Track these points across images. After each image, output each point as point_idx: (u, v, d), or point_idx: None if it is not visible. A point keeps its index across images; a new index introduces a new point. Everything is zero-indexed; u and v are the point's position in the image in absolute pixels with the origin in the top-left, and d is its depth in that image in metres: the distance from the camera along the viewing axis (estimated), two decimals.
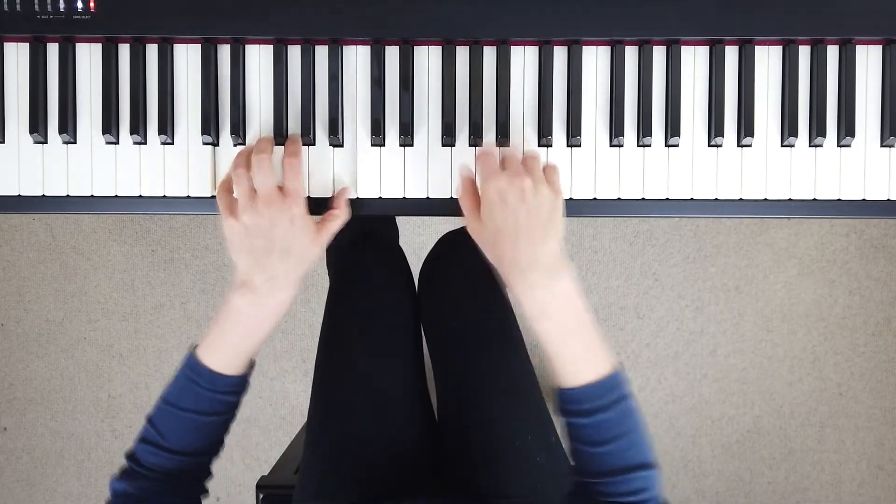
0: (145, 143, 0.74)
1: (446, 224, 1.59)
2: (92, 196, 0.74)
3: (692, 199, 0.74)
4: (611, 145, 0.74)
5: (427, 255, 0.98)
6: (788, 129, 0.73)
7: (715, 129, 0.73)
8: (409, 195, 0.74)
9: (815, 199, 0.74)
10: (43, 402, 1.70)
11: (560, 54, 0.74)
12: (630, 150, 0.74)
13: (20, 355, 1.69)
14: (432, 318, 0.94)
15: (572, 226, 1.64)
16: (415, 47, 0.73)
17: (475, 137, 0.73)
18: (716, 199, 0.74)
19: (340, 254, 1.01)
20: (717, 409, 1.67)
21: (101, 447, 1.71)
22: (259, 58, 0.74)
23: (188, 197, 0.74)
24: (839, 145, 0.74)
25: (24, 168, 0.74)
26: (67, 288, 1.67)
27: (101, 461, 1.72)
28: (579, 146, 0.74)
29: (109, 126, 0.73)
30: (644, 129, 0.73)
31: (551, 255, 0.64)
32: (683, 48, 0.73)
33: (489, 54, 0.74)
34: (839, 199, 0.74)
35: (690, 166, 0.74)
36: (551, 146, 0.74)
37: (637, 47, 0.73)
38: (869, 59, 0.74)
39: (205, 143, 0.74)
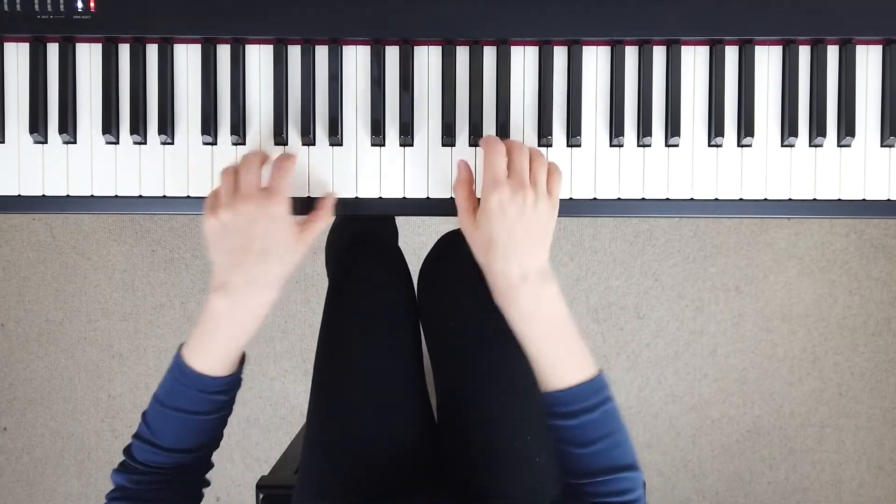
0: (145, 143, 0.74)
1: (446, 224, 1.59)
2: (92, 196, 0.74)
3: (692, 199, 0.74)
4: (611, 145, 0.74)
5: (427, 256, 0.98)
6: (788, 128, 0.73)
7: (715, 129, 0.73)
8: (409, 195, 0.74)
9: (815, 199, 0.74)
10: (43, 402, 1.70)
11: (560, 54, 0.74)
12: (630, 150, 0.74)
13: (20, 355, 1.69)
14: (432, 319, 0.94)
15: (572, 226, 1.64)
16: (415, 47, 0.74)
17: (475, 137, 0.73)
18: (716, 199, 0.74)
19: (340, 254, 1.01)
20: (717, 409, 1.67)
21: (101, 447, 1.71)
22: (259, 58, 0.74)
23: (188, 197, 0.74)
24: (839, 145, 0.74)
25: (24, 168, 0.74)
26: (67, 288, 1.67)
27: (101, 461, 1.72)
28: (579, 146, 0.74)
29: (109, 126, 0.73)
30: (644, 129, 0.73)
31: (539, 267, 0.65)
32: (683, 48, 0.73)
33: (489, 54, 0.74)
34: (839, 199, 0.74)
35: (690, 166, 0.74)
36: (551, 146, 0.74)
37: (637, 47, 0.73)
38: (869, 59, 0.74)
39: (205, 143, 0.74)
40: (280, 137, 0.73)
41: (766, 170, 0.74)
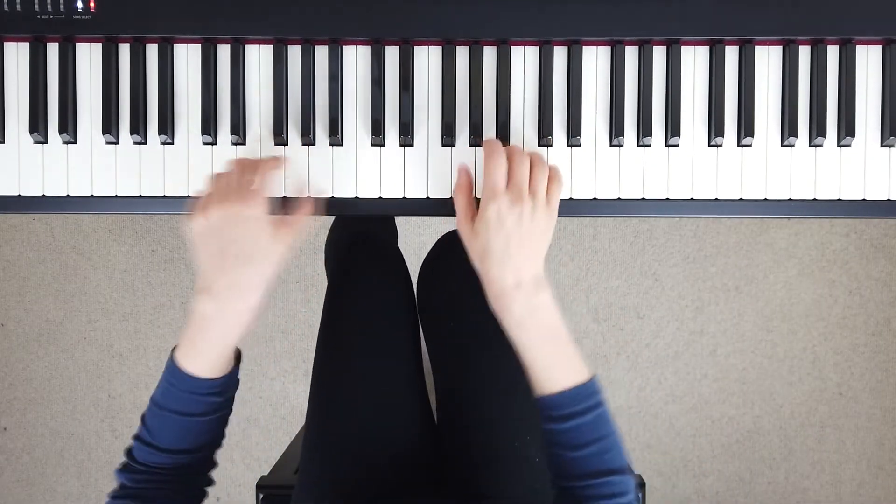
0: (145, 143, 0.74)
1: (446, 224, 1.59)
2: (92, 196, 0.74)
3: (692, 199, 0.74)
4: (611, 145, 0.74)
5: (427, 255, 0.98)
6: (788, 128, 0.73)
7: (715, 129, 0.73)
8: (409, 195, 0.74)
9: (815, 199, 0.74)
10: (43, 402, 1.70)
11: (560, 54, 0.74)
12: (630, 150, 0.74)
13: (20, 355, 1.69)
14: (432, 318, 0.94)
15: (572, 226, 1.64)
16: (415, 47, 0.74)
17: (475, 137, 0.73)
18: (716, 199, 0.74)
19: (339, 254, 1.01)
20: (717, 409, 1.67)
21: (101, 447, 1.71)
22: (259, 58, 0.74)
23: (188, 197, 0.74)
24: (839, 145, 0.74)
25: (24, 168, 0.74)
26: (67, 288, 1.67)
27: (101, 461, 1.72)
28: (579, 146, 0.74)
29: (109, 126, 0.73)
30: (644, 129, 0.73)
31: (533, 275, 0.66)
32: (683, 48, 0.73)
33: (489, 54, 0.74)
34: (839, 199, 0.74)
35: (690, 166, 0.74)
36: (551, 146, 0.74)
37: (637, 47, 0.73)
38: (869, 59, 0.74)
39: (205, 143, 0.74)
40: (280, 137, 0.73)
41: (766, 170, 0.74)
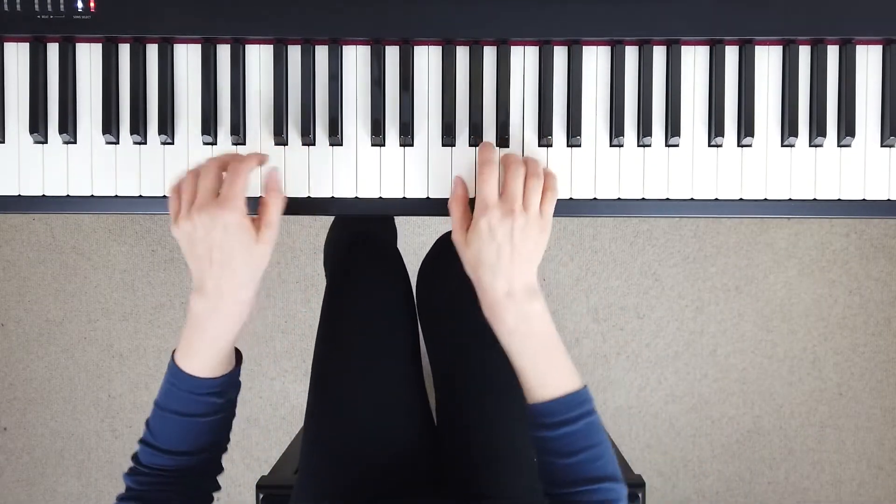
0: (145, 143, 0.74)
1: (446, 224, 1.58)
2: (92, 196, 0.74)
3: (692, 199, 0.74)
4: (611, 145, 0.74)
5: (426, 255, 0.98)
6: (788, 129, 0.73)
7: (715, 129, 0.73)
8: (409, 195, 0.74)
9: (815, 199, 0.74)
10: (43, 402, 1.70)
11: (560, 54, 0.74)
12: (630, 150, 0.74)
13: (20, 355, 1.69)
14: (430, 318, 0.94)
15: (572, 226, 1.64)
16: (415, 47, 0.73)
17: (475, 137, 0.73)
18: (716, 199, 0.74)
19: (339, 254, 1.01)
20: (717, 409, 1.67)
21: (101, 447, 1.71)
22: (259, 58, 0.74)
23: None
24: (839, 145, 0.74)
25: (24, 168, 0.74)
26: (67, 288, 1.67)
27: (101, 461, 1.72)
28: (579, 146, 0.74)
29: (109, 126, 0.73)
30: (644, 129, 0.73)
31: (525, 285, 0.66)
32: (683, 48, 0.73)
33: (489, 54, 0.74)
34: (839, 199, 0.74)
35: (690, 166, 0.74)
36: (551, 146, 0.74)
37: (637, 47, 0.73)
38: (869, 59, 0.74)
39: (205, 143, 0.74)
40: (280, 137, 0.73)
41: (766, 170, 0.74)
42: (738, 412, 1.67)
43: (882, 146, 0.74)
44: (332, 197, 0.74)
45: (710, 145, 0.74)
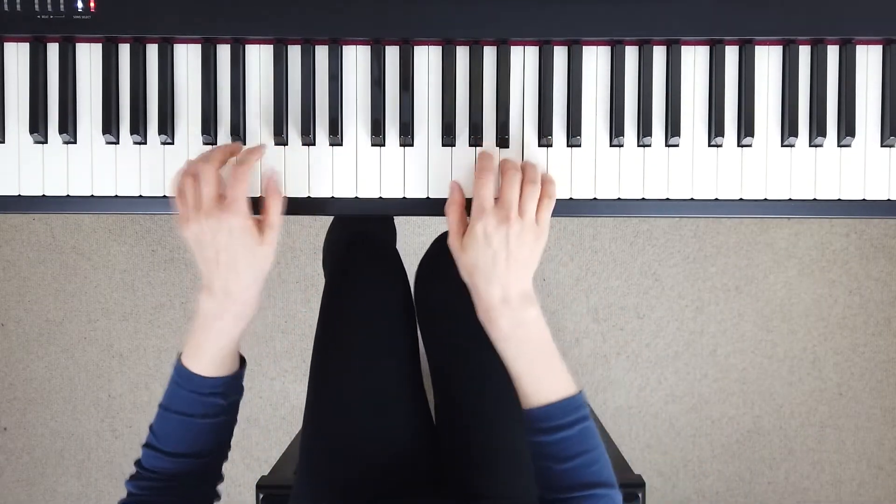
0: (145, 142, 0.74)
1: (446, 225, 1.58)
2: (92, 196, 0.74)
3: (692, 199, 0.74)
4: (611, 145, 0.74)
5: (423, 255, 0.98)
6: (788, 128, 0.73)
7: (715, 129, 0.73)
8: (409, 195, 0.74)
9: (815, 199, 0.74)
10: (43, 402, 1.70)
11: (560, 54, 0.74)
12: (630, 150, 0.74)
13: (20, 355, 1.69)
14: (428, 318, 0.94)
15: (572, 226, 1.64)
16: (415, 47, 0.73)
17: (475, 137, 0.73)
18: (716, 199, 0.74)
19: (338, 254, 1.01)
20: (717, 409, 1.67)
21: (101, 447, 1.71)
22: (259, 58, 0.74)
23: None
24: (839, 145, 0.74)
25: (24, 168, 0.74)
26: (67, 288, 1.67)
27: (101, 461, 1.72)
28: (579, 146, 0.74)
29: (109, 126, 0.73)
30: (644, 129, 0.73)
31: (520, 291, 0.66)
32: (683, 48, 0.73)
33: (489, 54, 0.74)
34: (839, 199, 0.74)
35: (690, 166, 0.74)
36: (551, 146, 0.74)
37: (637, 47, 0.73)
38: (869, 59, 0.74)
39: (205, 143, 0.74)
40: (280, 137, 0.73)
41: (767, 170, 0.74)
42: (738, 412, 1.67)
43: (882, 146, 0.74)
44: (332, 197, 0.74)
45: (710, 145, 0.74)
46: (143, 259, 1.66)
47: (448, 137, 0.73)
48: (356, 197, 0.74)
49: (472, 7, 0.72)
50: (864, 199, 0.74)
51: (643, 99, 0.73)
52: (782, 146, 0.74)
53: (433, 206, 0.74)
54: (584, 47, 0.73)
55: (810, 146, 0.74)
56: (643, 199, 0.74)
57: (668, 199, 0.74)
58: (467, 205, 0.71)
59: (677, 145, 0.74)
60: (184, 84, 0.74)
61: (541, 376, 0.66)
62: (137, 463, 0.70)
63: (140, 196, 0.74)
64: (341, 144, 0.74)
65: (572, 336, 1.64)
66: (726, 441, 1.67)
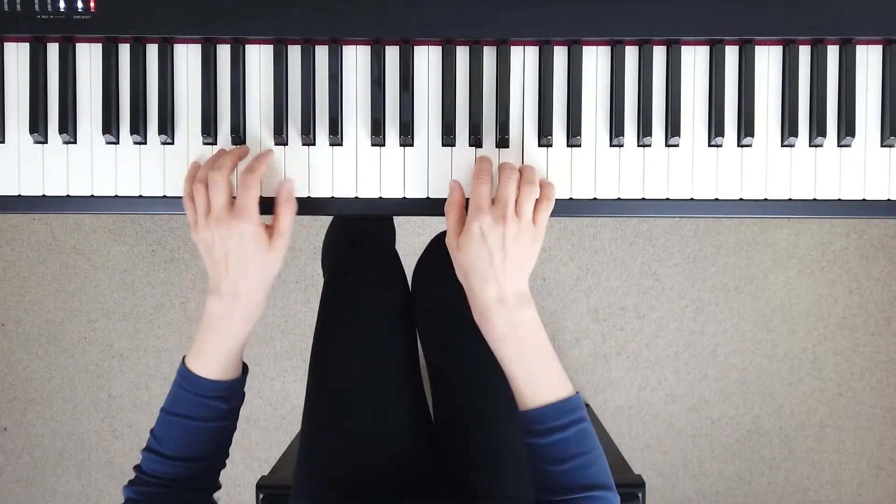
0: (145, 143, 0.74)
1: (445, 224, 1.58)
2: (92, 196, 0.74)
3: (692, 199, 0.74)
4: (611, 145, 0.74)
5: (421, 255, 0.98)
6: (788, 128, 0.73)
7: (715, 128, 0.73)
8: (409, 195, 0.74)
9: (815, 199, 0.74)
10: (43, 402, 1.70)
11: (560, 54, 0.74)
12: (630, 150, 0.74)
13: (20, 355, 1.69)
14: (426, 318, 0.94)
15: (572, 226, 1.64)
16: (415, 47, 0.73)
17: (475, 137, 0.73)
18: (716, 199, 0.74)
19: (337, 254, 1.01)
20: (717, 409, 1.67)
21: (101, 447, 1.71)
22: (259, 58, 0.74)
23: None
24: (839, 145, 0.74)
25: (24, 168, 0.74)
26: (67, 288, 1.67)
27: (101, 461, 1.72)
28: (579, 146, 0.74)
29: (109, 126, 0.73)
30: (644, 129, 0.73)
31: (516, 291, 0.66)
32: (683, 48, 0.73)
33: (489, 54, 0.74)
34: (839, 199, 0.74)
35: (690, 166, 0.74)
36: (551, 146, 0.74)
37: (637, 47, 0.73)
38: (869, 59, 0.74)
39: (205, 143, 0.74)
40: (280, 137, 0.73)
41: (767, 170, 0.74)
42: (738, 412, 1.67)
43: (882, 146, 0.74)
44: (332, 197, 0.74)
45: (710, 145, 0.74)
46: (143, 259, 1.66)
47: (448, 137, 0.73)
48: (356, 197, 0.74)
49: (472, 7, 0.72)
50: (864, 199, 0.74)
51: (643, 99, 0.73)
52: (782, 146, 0.74)
53: (433, 207, 0.74)
54: (584, 47, 0.73)
55: (810, 146, 0.74)
56: (643, 199, 0.74)
57: (668, 199, 0.74)
58: (467, 205, 0.71)
59: (677, 145, 0.74)
60: (184, 84, 0.74)
61: (537, 377, 0.66)
62: (137, 468, 0.70)
63: (140, 196, 0.74)
64: (341, 144, 0.74)
65: (572, 336, 1.64)
66: (726, 441, 1.67)
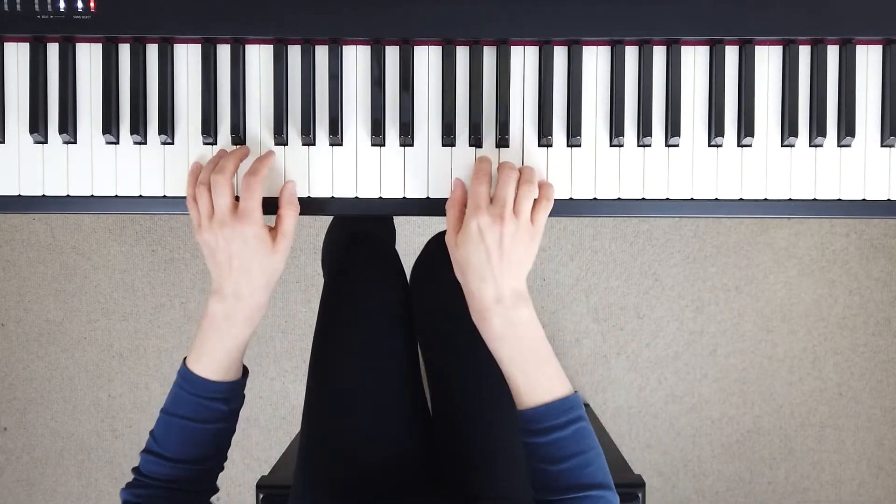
0: (145, 143, 0.74)
1: (445, 224, 1.58)
2: (92, 196, 0.74)
3: (692, 199, 0.74)
4: (611, 145, 0.74)
5: (419, 255, 0.98)
6: (788, 128, 0.73)
7: (715, 128, 0.73)
8: (409, 195, 0.74)
9: (815, 199, 0.74)
10: (43, 402, 1.70)
11: (560, 54, 0.74)
12: (630, 150, 0.74)
13: (20, 355, 1.69)
14: (425, 319, 0.94)
15: (572, 226, 1.64)
16: (415, 47, 0.73)
17: (475, 137, 0.73)
18: (716, 199, 0.74)
19: (337, 255, 1.01)
20: (717, 409, 1.67)
21: (101, 447, 1.71)
22: (259, 58, 0.74)
23: (186, 196, 0.74)
24: (839, 145, 0.74)
25: (24, 168, 0.74)
26: (67, 288, 1.67)
27: (101, 461, 1.72)
28: (579, 146, 0.74)
29: (109, 126, 0.73)
30: (644, 129, 0.73)
31: (513, 291, 0.66)
32: (683, 48, 0.73)
33: (489, 54, 0.74)
34: (839, 199, 0.74)
35: (690, 166, 0.74)
36: (551, 146, 0.74)
37: (637, 47, 0.73)
38: (869, 59, 0.74)
39: (205, 143, 0.74)
40: (280, 137, 0.73)
41: (767, 170, 0.74)
42: (738, 412, 1.67)
43: (882, 146, 0.74)
44: (332, 197, 0.74)
45: (710, 145, 0.74)
46: (143, 259, 1.66)
47: (448, 137, 0.73)
48: (356, 197, 0.74)
49: (472, 7, 0.72)
50: (864, 199, 0.74)
51: (643, 99, 0.73)
52: (782, 146, 0.74)
53: (433, 207, 0.74)
54: (584, 47, 0.73)
55: (810, 146, 0.74)
56: (643, 199, 0.74)
57: (668, 199, 0.74)
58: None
59: (677, 145, 0.74)
60: (184, 84, 0.74)
61: (534, 377, 0.66)
62: (135, 470, 0.70)
63: (140, 196, 0.74)
64: (341, 144, 0.74)
65: (572, 336, 1.64)
66: (726, 441, 1.67)
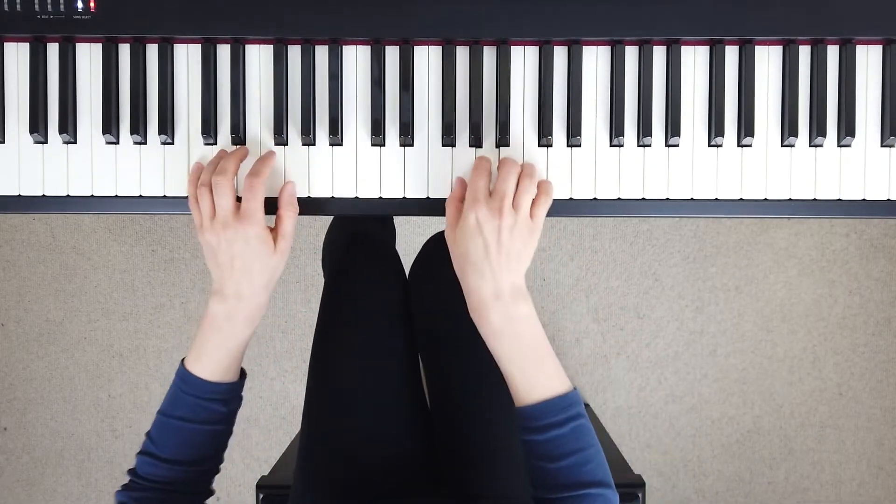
0: (145, 143, 0.74)
1: (445, 224, 1.58)
2: (92, 196, 0.74)
3: (692, 199, 0.74)
4: (611, 145, 0.74)
5: (417, 255, 0.98)
6: (788, 128, 0.73)
7: (715, 128, 0.73)
8: (409, 195, 0.74)
9: (815, 199, 0.74)
10: (43, 402, 1.70)
11: (560, 54, 0.74)
12: (630, 150, 0.74)
13: (20, 355, 1.69)
14: (424, 318, 0.94)
15: (572, 226, 1.64)
16: (415, 47, 0.73)
17: (475, 137, 0.73)
18: (716, 199, 0.74)
19: (337, 254, 1.01)
20: (717, 409, 1.67)
21: (101, 447, 1.71)
22: (259, 58, 0.74)
23: (188, 197, 0.74)
24: (839, 145, 0.74)
25: (24, 168, 0.74)
26: (67, 288, 1.67)
27: (101, 461, 1.72)
28: (579, 146, 0.74)
29: (109, 126, 0.73)
30: (644, 129, 0.73)
31: (511, 287, 0.66)
32: (683, 48, 0.73)
33: (489, 54, 0.74)
34: (839, 199, 0.74)
35: (690, 166, 0.74)
36: (551, 146, 0.74)
37: (637, 47, 0.73)
38: (869, 59, 0.74)
39: (205, 144, 0.74)
40: (280, 137, 0.73)
41: (767, 170, 0.74)
42: (738, 412, 1.67)
43: (882, 146, 0.74)
44: (332, 197, 0.74)
45: (710, 145, 0.74)
46: (143, 259, 1.66)
47: (448, 137, 0.73)
48: (356, 197, 0.74)
49: (472, 7, 0.72)
50: (864, 199, 0.74)
51: (643, 99, 0.73)
52: (782, 146, 0.74)
53: (433, 207, 0.74)
54: (584, 47, 0.73)
55: (810, 146, 0.74)
56: (643, 199, 0.74)
57: (668, 199, 0.74)
58: None
59: (677, 145, 0.74)
60: (184, 84, 0.74)
61: (533, 374, 0.66)
62: (131, 471, 0.70)
63: (140, 196, 0.74)
64: (341, 144, 0.74)
65: (572, 336, 1.64)
66: (726, 441, 1.67)
